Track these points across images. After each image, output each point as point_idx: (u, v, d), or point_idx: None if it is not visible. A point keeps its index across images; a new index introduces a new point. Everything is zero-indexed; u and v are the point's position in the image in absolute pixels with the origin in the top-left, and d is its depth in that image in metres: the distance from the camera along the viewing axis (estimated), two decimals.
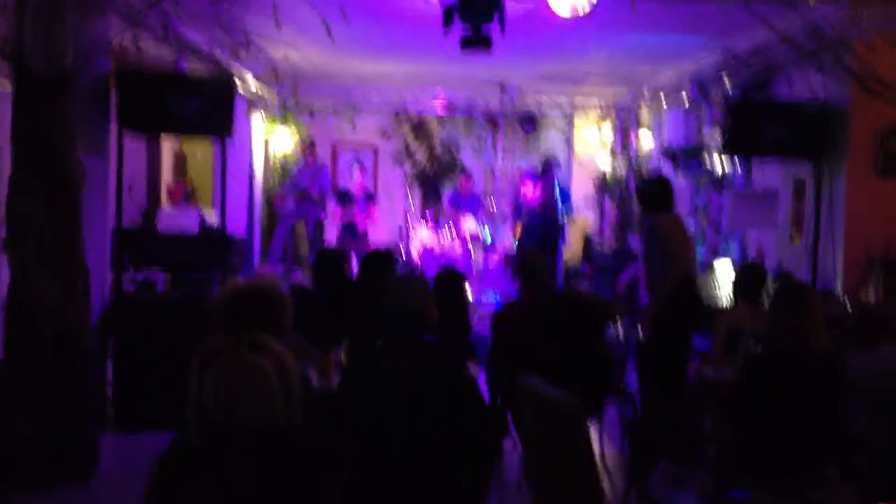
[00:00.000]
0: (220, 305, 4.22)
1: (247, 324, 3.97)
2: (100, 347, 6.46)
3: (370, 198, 12.17)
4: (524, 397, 3.96)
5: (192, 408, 3.52)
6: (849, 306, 6.71)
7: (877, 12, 6.08)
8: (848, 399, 4.25)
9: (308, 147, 12.54)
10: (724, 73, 8.67)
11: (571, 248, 13.61)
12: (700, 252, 10.93)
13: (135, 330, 6.72)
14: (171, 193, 10.20)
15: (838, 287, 7.26)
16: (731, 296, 6.27)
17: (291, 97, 12.48)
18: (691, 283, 6.49)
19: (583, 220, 13.89)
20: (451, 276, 6.21)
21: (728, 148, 7.90)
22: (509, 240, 12.78)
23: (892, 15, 5.95)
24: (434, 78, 12.69)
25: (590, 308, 5.70)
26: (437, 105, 13.73)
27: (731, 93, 8.99)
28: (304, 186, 12.13)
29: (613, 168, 13.53)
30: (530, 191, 10.92)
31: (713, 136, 10.60)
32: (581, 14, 5.49)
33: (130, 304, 6.85)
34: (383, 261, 6.32)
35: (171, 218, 9.28)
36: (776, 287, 5.34)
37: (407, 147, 14.93)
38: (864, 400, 4.39)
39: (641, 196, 6.92)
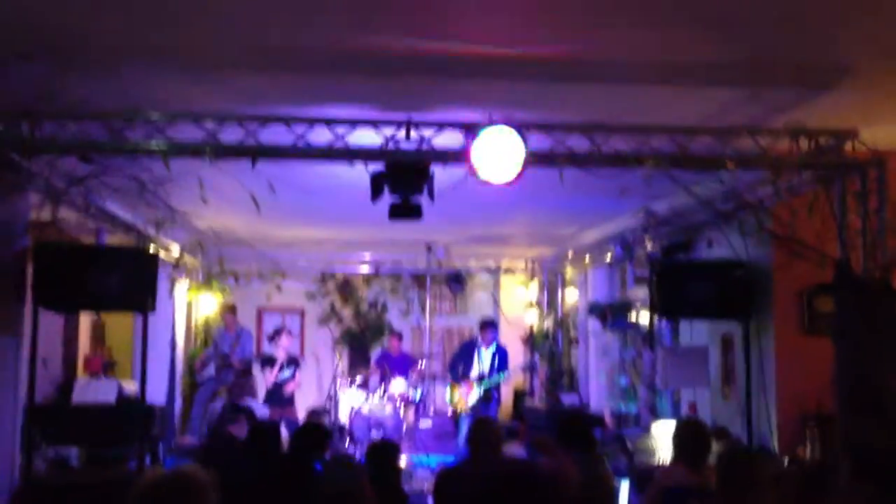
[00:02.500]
0: (139, 497, 3.93)
1: None
2: None
3: (295, 363, 11.86)
4: None
5: None
6: (786, 463, 6.66)
7: (793, 177, 6.28)
8: None
9: (228, 311, 12.25)
10: (647, 234, 8.84)
11: (503, 405, 13.44)
12: (633, 409, 10.88)
13: None
14: (88, 364, 9.79)
15: (774, 444, 7.21)
16: (672, 453, 6.09)
17: (216, 265, 12.31)
18: None
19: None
20: (383, 448, 6.02)
21: (657, 311, 8.00)
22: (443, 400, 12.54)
23: (808, 179, 6.14)
24: (361, 241, 12.70)
25: (541, 482, 5.48)
26: (364, 266, 13.70)
27: (654, 252, 9.15)
28: (224, 352, 11.80)
29: (541, 325, 13.56)
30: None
31: (637, 292, 10.75)
32: (508, 182, 5.53)
33: (41, 490, 6.39)
34: (315, 437, 6.12)
35: (88, 389, 8.85)
36: (720, 449, 5.22)
37: (333, 308, 14.80)
38: None
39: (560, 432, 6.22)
